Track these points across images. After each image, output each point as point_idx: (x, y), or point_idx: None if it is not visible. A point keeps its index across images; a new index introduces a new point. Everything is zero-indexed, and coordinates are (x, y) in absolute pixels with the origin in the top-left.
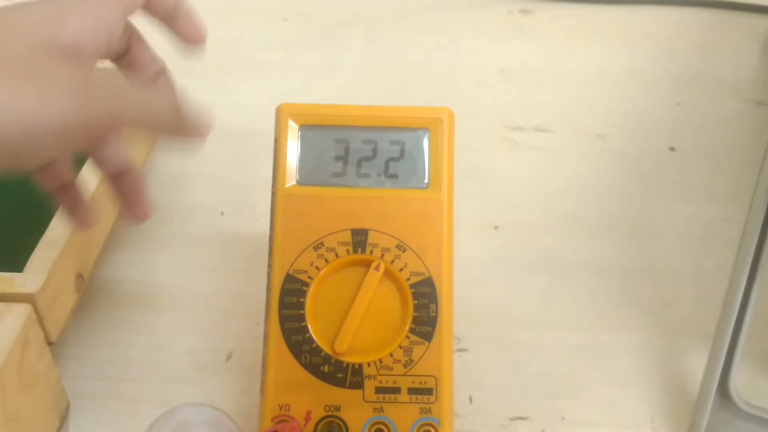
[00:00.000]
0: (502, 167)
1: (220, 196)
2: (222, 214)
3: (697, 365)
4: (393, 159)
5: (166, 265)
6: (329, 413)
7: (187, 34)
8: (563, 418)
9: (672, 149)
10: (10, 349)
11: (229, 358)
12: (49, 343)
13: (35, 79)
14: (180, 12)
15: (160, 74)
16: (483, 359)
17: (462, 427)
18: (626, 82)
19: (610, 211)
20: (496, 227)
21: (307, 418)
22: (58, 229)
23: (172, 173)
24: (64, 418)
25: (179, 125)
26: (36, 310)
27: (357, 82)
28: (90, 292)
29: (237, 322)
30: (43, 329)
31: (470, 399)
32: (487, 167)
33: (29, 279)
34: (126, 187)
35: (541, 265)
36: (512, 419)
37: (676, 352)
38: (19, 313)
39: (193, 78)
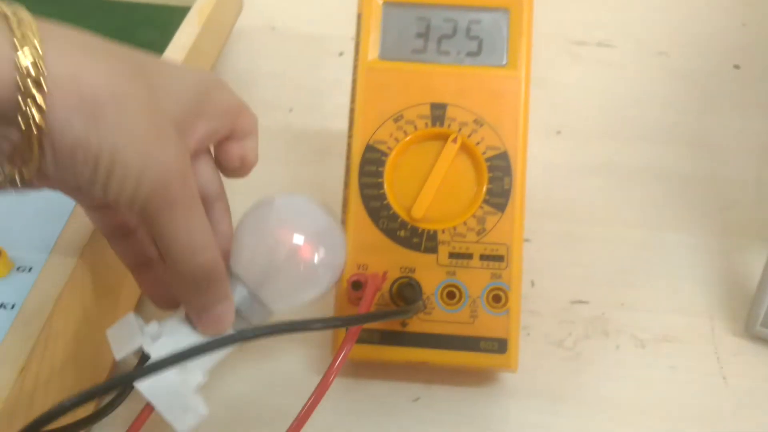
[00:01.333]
0: (565, 78)
1: (289, 95)
2: (291, 110)
3: (755, 264)
4: (473, 37)
5: None
6: (404, 274)
7: (239, 165)
8: (622, 304)
9: (736, 67)
10: None
11: None
12: None
13: (169, 141)
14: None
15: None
16: (544, 249)
17: (524, 307)
18: (691, 3)
19: (671, 123)
20: (558, 132)
21: (384, 278)
22: None
23: (242, 71)
24: None
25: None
26: None
27: None
28: None
29: None
30: None
31: (532, 283)
32: (549, 77)
33: None
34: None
35: (602, 169)
36: (573, 302)
37: (735, 252)
38: None
39: None
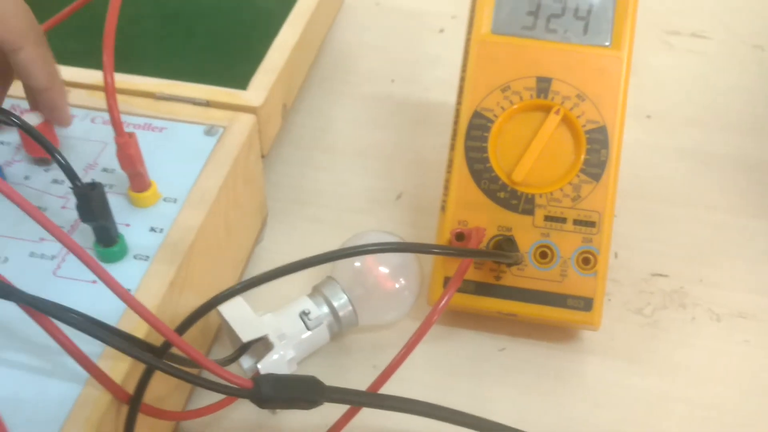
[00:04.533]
0: (657, 65)
1: (391, 67)
2: (392, 81)
3: None
4: (580, 18)
5: (343, 118)
6: (501, 232)
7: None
8: (701, 280)
9: None
10: (242, 144)
11: (399, 197)
12: (261, 156)
13: None
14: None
15: None
16: (628, 224)
17: (607, 275)
18: None
19: (763, 114)
20: (648, 116)
21: (484, 233)
22: (274, 58)
23: (349, 43)
24: (263, 225)
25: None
26: (258, 121)
27: None
28: (280, 131)
29: (405, 169)
30: (260, 139)
31: (615, 255)
32: (642, 63)
33: (253, 96)
34: (44, 103)
35: (689, 153)
36: (653, 275)
37: None
38: (246, 120)
39: None
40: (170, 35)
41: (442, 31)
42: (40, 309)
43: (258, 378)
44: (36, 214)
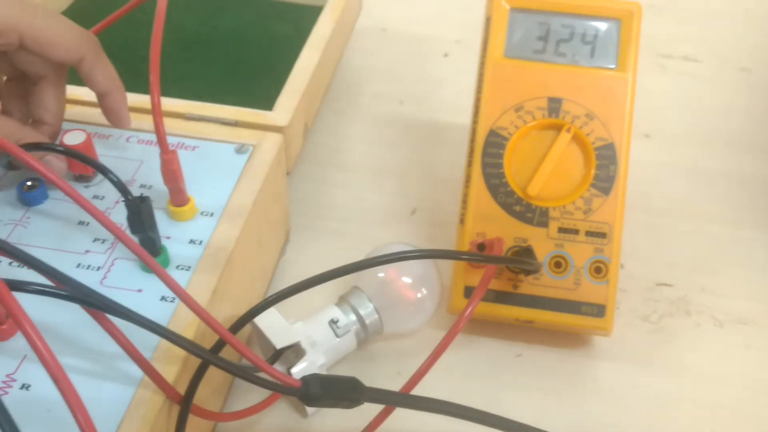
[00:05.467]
0: (652, 87)
1: (399, 89)
2: (401, 102)
3: None
4: (587, 42)
5: (356, 138)
6: (517, 244)
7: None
8: (703, 289)
9: None
10: (271, 161)
11: (413, 212)
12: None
13: None
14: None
15: None
16: (632, 237)
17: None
18: None
19: (752, 132)
20: (647, 135)
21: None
22: (297, 80)
23: (358, 67)
24: (287, 239)
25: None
26: (285, 140)
27: None
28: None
29: (418, 186)
30: (286, 158)
31: (622, 265)
32: (638, 86)
33: (279, 116)
34: (106, 106)
35: (687, 169)
36: (658, 284)
37: None
38: (274, 139)
39: None
40: (191, 60)
41: (446, 55)
42: (105, 307)
43: (306, 377)
44: (108, 223)
